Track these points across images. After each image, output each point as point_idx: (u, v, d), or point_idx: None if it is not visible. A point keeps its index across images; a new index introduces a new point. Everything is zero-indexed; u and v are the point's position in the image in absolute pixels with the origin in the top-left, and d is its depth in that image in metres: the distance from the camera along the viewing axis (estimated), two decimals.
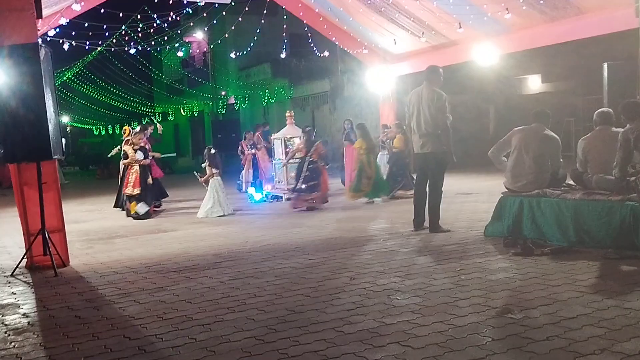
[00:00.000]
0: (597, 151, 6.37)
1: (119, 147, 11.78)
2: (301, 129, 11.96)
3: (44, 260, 6.28)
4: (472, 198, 10.81)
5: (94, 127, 39.05)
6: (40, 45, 6.15)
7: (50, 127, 6.08)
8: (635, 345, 3.32)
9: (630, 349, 3.28)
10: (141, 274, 5.93)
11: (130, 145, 10.77)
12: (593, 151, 6.41)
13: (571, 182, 6.81)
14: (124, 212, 11.04)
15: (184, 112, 31.90)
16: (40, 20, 7.00)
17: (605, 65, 9.10)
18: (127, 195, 10.60)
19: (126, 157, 10.74)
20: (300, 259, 6.23)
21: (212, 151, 10.73)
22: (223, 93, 29.07)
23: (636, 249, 5.48)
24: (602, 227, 5.81)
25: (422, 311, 4.18)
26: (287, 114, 13.29)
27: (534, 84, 20.78)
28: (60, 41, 11.92)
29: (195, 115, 32.38)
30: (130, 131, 12.11)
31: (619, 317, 3.82)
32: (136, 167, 10.57)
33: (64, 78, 24.61)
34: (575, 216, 6.05)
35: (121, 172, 11.77)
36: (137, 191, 10.48)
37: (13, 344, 3.96)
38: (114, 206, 11.86)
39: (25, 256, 6.40)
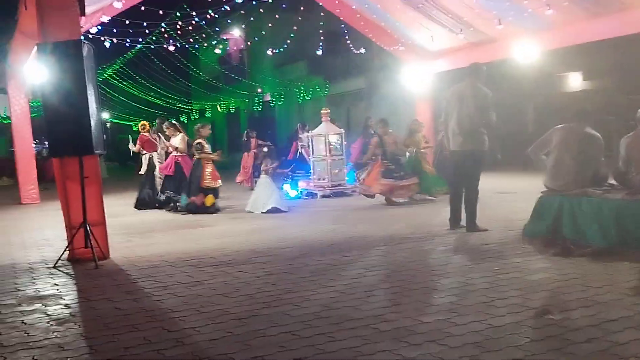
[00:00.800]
0: (639, 150, 6.20)
1: (164, 143, 11.68)
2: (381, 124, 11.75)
3: (85, 252, 6.43)
4: (509, 197, 10.66)
5: (132, 124, 39.70)
6: (83, 42, 6.30)
7: (92, 122, 6.22)
8: None
9: None
10: (179, 268, 6.02)
11: (201, 138, 10.87)
12: (636, 150, 6.24)
13: (613, 181, 6.64)
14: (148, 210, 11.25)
15: (221, 108, 32.21)
16: (82, 17, 7.15)
17: None
18: (205, 188, 10.55)
19: (200, 150, 10.75)
20: (336, 256, 6.23)
21: (265, 150, 11.05)
22: (259, 90, 29.24)
23: None
24: None
25: (458, 310, 4.15)
26: (323, 112, 13.31)
27: (575, 81, 20.33)
28: (102, 38, 12.18)
29: (232, 111, 32.65)
30: (149, 126, 12.17)
31: None
32: (211, 161, 10.71)
33: (105, 75, 25.10)
34: (617, 217, 5.89)
35: (145, 168, 11.81)
36: (219, 183, 10.68)
37: (55, 334, 4.06)
38: (137, 207, 11.71)
39: (67, 248, 6.56)
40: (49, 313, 4.59)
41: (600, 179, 6.61)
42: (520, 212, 8.07)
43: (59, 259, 6.46)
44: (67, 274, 6.06)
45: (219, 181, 10.68)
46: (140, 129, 12.28)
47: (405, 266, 5.62)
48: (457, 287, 4.75)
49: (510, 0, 10.18)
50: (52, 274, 6.05)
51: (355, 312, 4.22)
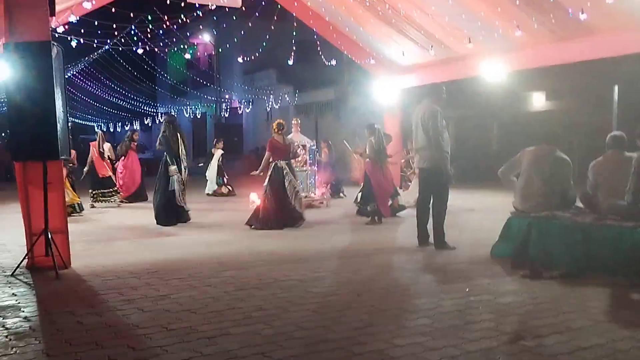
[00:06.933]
0: (608, 175, 6.32)
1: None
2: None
3: (46, 260, 6.18)
4: (476, 215, 10.75)
5: (95, 125, 38.87)
6: (53, 44, 6.09)
7: (59, 126, 6.01)
8: None
9: None
10: (144, 280, 5.84)
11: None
12: (604, 175, 6.35)
13: (580, 204, 6.74)
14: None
15: (187, 113, 31.85)
16: (52, 17, 6.93)
17: (616, 87, 9.06)
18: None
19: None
20: (305, 272, 6.14)
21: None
22: (227, 96, 29.03)
23: None
24: (612, 253, 5.74)
25: (432, 333, 4.10)
26: (294, 122, 13.25)
27: (538, 101, 20.77)
28: (69, 38, 11.87)
29: (198, 117, 32.31)
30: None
31: (634, 348, 3.75)
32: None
33: (68, 74, 24.55)
34: (585, 241, 5.98)
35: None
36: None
37: (15, 349, 3.87)
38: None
39: (27, 256, 6.31)
40: (7, 326, 4.37)
41: (568, 202, 6.71)
42: (487, 230, 8.14)
43: (18, 267, 6.21)
44: (26, 283, 5.80)
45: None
46: (276, 129, 10.51)
47: (376, 285, 5.56)
48: (429, 309, 4.71)
49: (482, 20, 10.32)
50: (10, 282, 5.80)
51: (328, 333, 4.14)
